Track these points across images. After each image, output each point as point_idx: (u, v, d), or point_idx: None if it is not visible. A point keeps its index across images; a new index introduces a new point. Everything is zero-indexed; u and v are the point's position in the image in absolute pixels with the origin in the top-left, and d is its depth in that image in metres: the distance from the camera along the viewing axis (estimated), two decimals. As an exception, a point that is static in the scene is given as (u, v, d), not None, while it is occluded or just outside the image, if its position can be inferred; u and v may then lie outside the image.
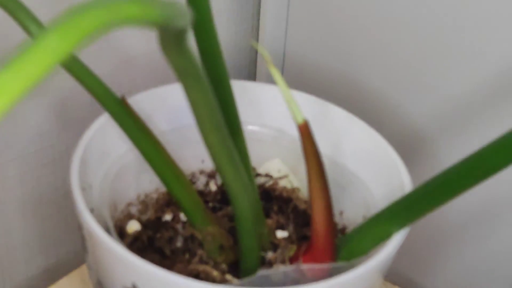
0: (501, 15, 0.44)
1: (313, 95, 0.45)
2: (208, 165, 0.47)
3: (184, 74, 0.27)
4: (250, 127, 0.46)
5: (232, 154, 0.33)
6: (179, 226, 0.43)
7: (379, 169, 0.42)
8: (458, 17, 0.47)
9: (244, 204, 0.35)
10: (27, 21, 0.33)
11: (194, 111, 0.30)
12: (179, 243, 0.42)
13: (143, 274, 0.32)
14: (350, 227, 0.44)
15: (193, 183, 0.47)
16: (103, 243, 0.33)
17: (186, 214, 0.40)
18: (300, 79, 0.60)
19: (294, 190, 0.46)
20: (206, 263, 0.40)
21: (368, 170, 0.43)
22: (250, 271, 0.37)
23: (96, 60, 0.50)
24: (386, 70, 0.53)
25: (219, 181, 0.47)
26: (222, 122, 0.31)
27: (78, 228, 0.37)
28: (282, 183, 0.47)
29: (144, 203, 0.44)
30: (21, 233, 0.51)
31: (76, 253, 0.56)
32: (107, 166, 0.41)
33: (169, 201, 0.45)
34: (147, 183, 0.44)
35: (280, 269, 0.36)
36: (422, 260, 0.56)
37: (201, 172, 0.47)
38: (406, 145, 0.53)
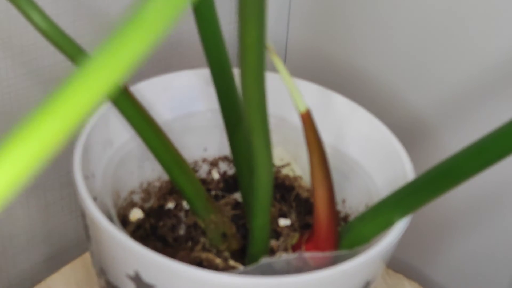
0: (503, 3, 0.44)
1: (315, 83, 0.45)
2: (211, 153, 0.47)
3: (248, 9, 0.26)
4: (252, 115, 0.46)
5: (266, 116, 0.32)
6: (181, 214, 0.43)
7: (382, 157, 0.42)
8: (462, 4, 0.46)
9: (267, 174, 0.35)
10: (28, 8, 0.33)
11: (243, 55, 0.29)
12: (181, 231, 0.42)
13: (146, 262, 0.33)
14: (353, 215, 0.44)
15: (196, 171, 0.47)
16: (106, 231, 0.33)
17: (189, 202, 0.40)
18: (302, 68, 0.60)
19: (296, 178, 0.46)
20: (209, 251, 0.40)
21: (371, 158, 0.43)
22: (258, 255, 0.37)
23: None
24: (388, 58, 0.52)
25: (222, 170, 0.47)
26: (264, 77, 0.30)
27: (81, 216, 0.37)
28: (285, 171, 0.47)
29: (146, 191, 0.44)
30: (25, 221, 0.52)
31: (79, 241, 0.56)
32: (110, 155, 0.41)
33: (171, 189, 0.45)
34: (149, 171, 0.44)
35: (283, 257, 0.36)
36: (424, 248, 0.56)
37: (204, 160, 0.47)
38: (409, 133, 0.52)
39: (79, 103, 0.13)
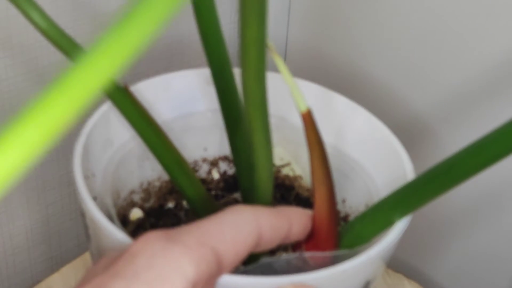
0: (501, 5, 0.44)
1: (315, 83, 0.45)
2: (211, 153, 0.47)
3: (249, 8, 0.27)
4: (252, 115, 0.46)
5: (267, 113, 0.32)
6: (182, 214, 0.43)
7: (382, 157, 0.42)
8: (461, 6, 0.46)
9: (267, 173, 0.35)
10: (28, 8, 0.33)
11: (244, 51, 0.29)
12: (182, 231, 0.42)
13: (146, 261, 0.32)
14: (353, 215, 0.44)
15: (196, 171, 0.47)
16: (106, 230, 0.33)
17: (189, 201, 0.40)
18: (302, 68, 0.60)
19: (296, 178, 0.46)
20: (209, 250, 0.40)
21: (371, 158, 0.43)
22: (258, 255, 0.37)
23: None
24: (388, 58, 0.52)
25: (222, 169, 0.47)
26: (265, 74, 0.30)
27: (81, 216, 0.37)
28: (285, 171, 0.47)
29: (147, 191, 0.44)
30: (25, 221, 0.52)
31: (79, 241, 0.56)
32: (110, 154, 0.41)
33: (171, 189, 0.45)
34: (149, 171, 0.44)
35: (283, 257, 0.36)
36: (424, 248, 0.56)
37: (204, 160, 0.47)
38: (409, 133, 0.52)
39: (77, 92, 0.13)
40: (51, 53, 0.46)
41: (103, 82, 0.13)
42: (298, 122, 0.36)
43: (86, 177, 0.37)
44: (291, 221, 0.33)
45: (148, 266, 0.27)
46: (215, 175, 0.47)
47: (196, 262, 0.27)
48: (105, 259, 0.30)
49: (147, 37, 0.13)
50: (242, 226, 0.30)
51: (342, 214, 0.44)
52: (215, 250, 0.29)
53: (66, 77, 0.13)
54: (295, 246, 0.37)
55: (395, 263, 0.56)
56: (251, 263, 0.36)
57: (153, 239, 0.28)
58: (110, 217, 0.36)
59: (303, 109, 0.34)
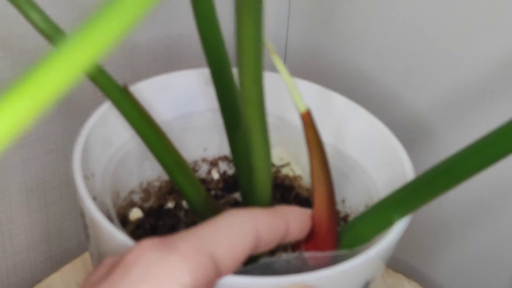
0: (501, 5, 0.44)
1: (315, 83, 0.45)
2: (210, 153, 0.47)
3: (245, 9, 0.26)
4: (252, 115, 0.46)
5: (264, 113, 0.32)
6: (181, 214, 0.43)
7: (382, 157, 0.42)
8: (461, 6, 0.46)
9: (265, 173, 0.35)
10: (28, 8, 0.33)
11: (241, 52, 0.29)
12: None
13: (145, 261, 0.32)
14: (352, 215, 0.44)
15: (196, 171, 0.47)
16: (105, 230, 0.33)
17: (189, 202, 0.40)
18: (302, 68, 0.60)
19: (296, 178, 0.46)
20: (209, 250, 0.40)
21: (371, 158, 0.43)
22: (258, 255, 0.37)
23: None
24: (388, 58, 0.52)
25: (222, 169, 0.47)
26: (262, 75, 0.30)
27: (81, 216, 0.37)
28: (284, 171, 0.47)
29: (146, 191, 0.44)
30: (24, 221, 0.52)
31: (79, 240, 0.56)
32: (110, 154, 0.41)
33: (171, 189, 0.45)
34: (149, 171, 0.44)
35: (283, 257, 0.36)
36: (424, 248, 0.56)
37: (203, 160, 0.47)
38: (408, 133, 0.52)
39: (56, 77, 0.13)
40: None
41: (74, 76, 0.13)
42: (298, 122, 0.36)
43: (86, 177, 0.37)
44: (288, 220, 0.33)
45: (144, 277, 0.26)
46: (215, 175, 0.47)
47: (193, 270, 0.27)
48: (101, 267, 0.29)
49: (120, 30, 0.13)
50: (238, 229, 0.30)
51: (342, 214, 0.44)
52: (212, 256, 0.28)
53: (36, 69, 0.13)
54: (295, 246, 0.37)
55: (395, 263, 0.56)
56: (251, 263, 0.36)
57: (148, 247, 0.28)
58: (109, 217, 0.36)
59: (302, 109, 0.34)
